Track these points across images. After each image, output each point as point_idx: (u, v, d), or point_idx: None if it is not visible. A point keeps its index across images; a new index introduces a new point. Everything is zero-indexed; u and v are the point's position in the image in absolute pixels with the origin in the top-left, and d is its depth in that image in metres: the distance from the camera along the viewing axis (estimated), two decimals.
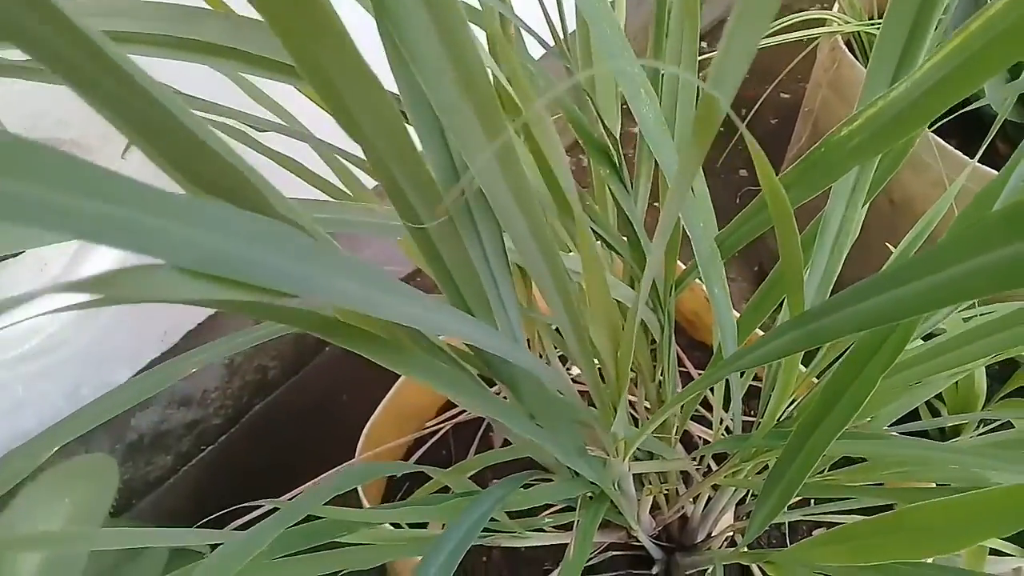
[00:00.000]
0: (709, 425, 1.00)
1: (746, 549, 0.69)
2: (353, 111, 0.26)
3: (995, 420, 1.02)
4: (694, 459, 0.77)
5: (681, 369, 1.08)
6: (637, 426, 0.86)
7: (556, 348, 0.78)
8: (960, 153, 0.95)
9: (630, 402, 0.87)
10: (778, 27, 1.14)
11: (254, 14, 0.43)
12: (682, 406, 0.75)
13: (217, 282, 0.21)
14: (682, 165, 0.24)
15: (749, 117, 1.61)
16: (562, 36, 0.55)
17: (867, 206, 0.52)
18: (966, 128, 0.94)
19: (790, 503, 0.48)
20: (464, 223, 0.38)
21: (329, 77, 0.24)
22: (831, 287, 0.52)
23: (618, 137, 0.58)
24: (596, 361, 0.47)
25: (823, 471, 0.70)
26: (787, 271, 0.33)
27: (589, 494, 0.64)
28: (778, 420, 0.65)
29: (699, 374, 1.06)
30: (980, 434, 0.94)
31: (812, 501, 0.98)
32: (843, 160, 0.39)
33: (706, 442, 0.99)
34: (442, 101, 0.27)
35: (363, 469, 0.49)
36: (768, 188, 0.27)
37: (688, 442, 1.01)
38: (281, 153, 0.56)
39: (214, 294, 0.21)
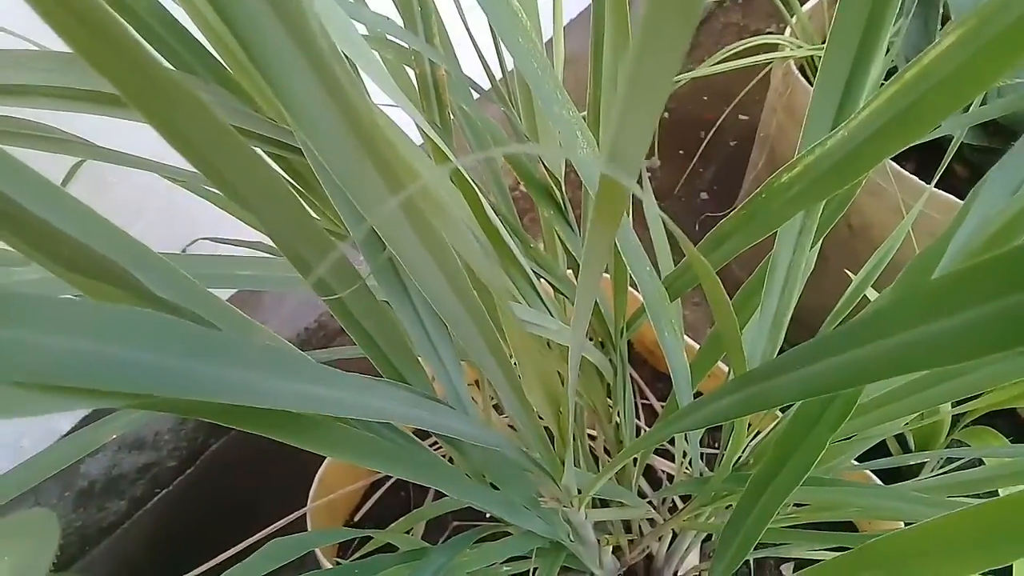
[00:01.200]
0: (672, 457, 0.98)
1: None
2: (237, 186, 0.24)
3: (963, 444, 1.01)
4: (654, 502, 0.75)
5: (644, 401, 1.06)
6: (600, 464, 0.84)
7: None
8: (916, 179, 0.94)
9: (591, 438, 0.85)
10: (731, 52, 1.13)
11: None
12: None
13: (71, 391, 0.19)
14: (589, 249, 0.22)
15: (708, 139, 1.61)
16: (500, 76, 0.54)
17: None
18: (923, 152, 0.94)
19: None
20: (389, 284, 0.36)
21: (202, 153, 0.22)
22: (783, 328, 0.51)
23: (562, 178, 0.56)
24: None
25: (788, 507, 0.68)
26: (724, 335, 0.31)
27: (546, 545, 0.62)
28: (738, 461, 0.64)
29: (662, 406, 1.05)
30: (942, 470, 0.93)
31: None
32: (785, 208, 0.37)
33: (670, 476, 0.97)
34: (335, 164, 0.25)
35: (300, 541, 0.47)
36: (693, 259, 0.25)
37: (652, 475, 0.99)
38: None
39: (69, 405, 0.19)
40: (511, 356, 0.35)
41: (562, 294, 0.57)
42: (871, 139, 0.29)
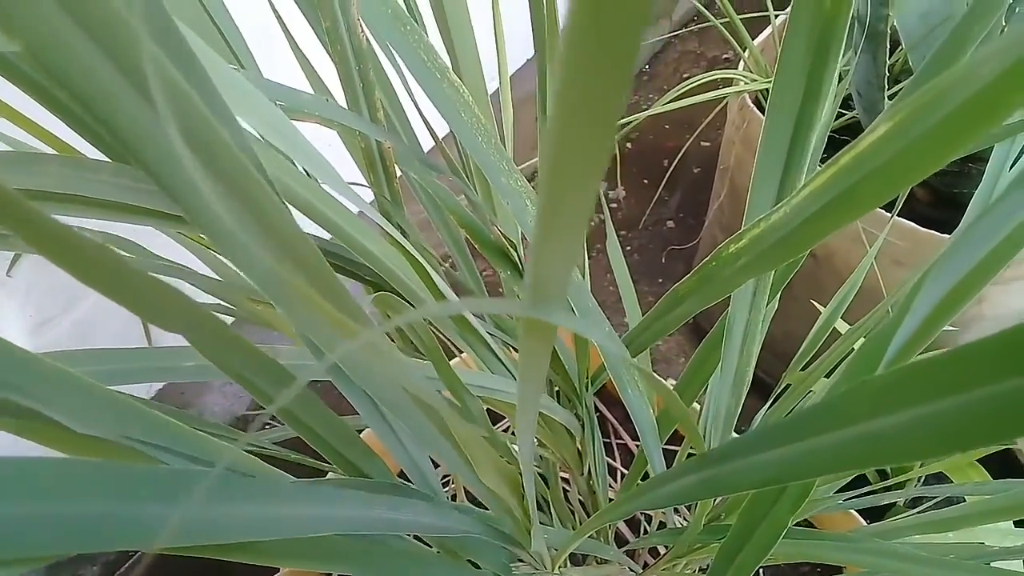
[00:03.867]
0: None
1: None
2: (160, 317, 0.23)
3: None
4: (629, 553, 0.74)
5: (619, 441, 1.05)
6: (578, 517, 0.83)
7: None
8: (878, 208, 0.95)
9: (565, 492, 0.84)
10: (687, 88, 1.14)
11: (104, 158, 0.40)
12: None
13: None
14: (523, 374, 0.21)
15: (672, 168, 1.62)
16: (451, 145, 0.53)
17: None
18: None
19: None
20: (338, 378, 0.35)
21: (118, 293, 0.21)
22: (745, 383, 0.50)
23: (518, 238, 0.56)
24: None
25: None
26: (677, 419, 0.31)
27: None
28: (711, 513, 0.63)
29: (637, 445, 1.04)
30: (918, 506, 0.93)
31: (760, 572, 0.95)
32: (734, 276, 0.36)
33: (648, 517, 0.97)
34: (255, 274, 0.24)
35: None
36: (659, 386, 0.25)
37: (631, 519, 0.98)
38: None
39: None
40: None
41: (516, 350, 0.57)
42: (811, 219, 0.29)
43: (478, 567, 0.50)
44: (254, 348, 0.26)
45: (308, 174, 0.41)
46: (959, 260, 0.24)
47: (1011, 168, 0.51)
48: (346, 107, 0.43)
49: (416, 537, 0.49)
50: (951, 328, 0.34)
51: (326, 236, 0.43)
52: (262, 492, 0.26)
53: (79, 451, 0.26)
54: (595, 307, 0.49)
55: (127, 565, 1.23)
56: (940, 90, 0.22)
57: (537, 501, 0.83)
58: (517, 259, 0.55)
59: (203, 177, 0.21)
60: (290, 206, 0.38)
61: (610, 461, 1.03)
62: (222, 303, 0.58)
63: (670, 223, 1.65)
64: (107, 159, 0.39)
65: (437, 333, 0.56)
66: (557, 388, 0.66)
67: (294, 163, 0.42)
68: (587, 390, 0.61)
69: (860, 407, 0.23)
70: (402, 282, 0.43)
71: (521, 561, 0.54)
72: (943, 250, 0.28)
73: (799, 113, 0.38)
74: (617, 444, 1.05)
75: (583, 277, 0.51)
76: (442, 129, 0.51)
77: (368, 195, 0.53)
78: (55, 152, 0.49)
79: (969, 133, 0.20)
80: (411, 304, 0.41)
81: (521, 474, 0.34)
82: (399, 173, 0.54)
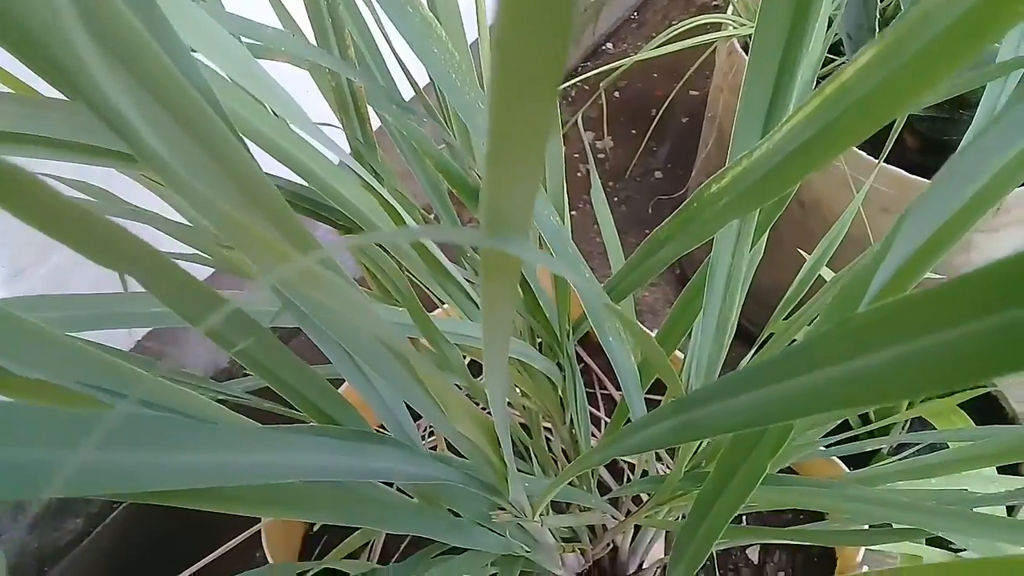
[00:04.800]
0: None
1: None
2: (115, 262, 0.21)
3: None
4: (611, 499, 0.74)
5: (603, 391, 1.05)
6: (560, 467, 0.82)
7: None
8: (865, 154, 0.94)
9: (548, 443, 0.84)
10: (675, 32, 1.12)
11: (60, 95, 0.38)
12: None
13: None
14: (488, 318, 0.20)
15: (659, 116, 1.60)
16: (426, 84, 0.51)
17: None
18: None
19: None
20: (303, 321, 0.34)
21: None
22: (728, 330, 0.50)
23: None
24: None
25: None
26: (654, 365, 0.30)
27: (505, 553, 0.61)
28: (693, 458, 0.63)
29: (620, 396, 1.04)
30: (901, 453, 0.93)
31: (744, 519, 0.96)
32: (716, 217, 0.35)
33: (631, 466, 0.97)
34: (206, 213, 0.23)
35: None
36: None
37: (613, 465, 0.98)
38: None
39: None
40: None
41: None
42: (794, 154, 0.28)
43: (459, 516, 0.50)
44: (213, 293, 0.25)
45: (276, 115, 0.40)
46: (942, 198, 0.23)
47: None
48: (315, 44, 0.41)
49: (400, 490, 0.49)
50: (937, 276, 0.33)
51: (301, 182, 0.42)
52: (220, 437, 0.25)
53: (25, 396, 0.25)
54: (575, 253, 0.47)
55: (111, 517, 1.22)
56: (927, 11, 0.21)
57: (520, 451, 0.83)
58: None
59: (145, 109, 0.20)
60: (258, 147, 0.37)
61: (594, 411, 1.03)
62: (199, 253, 0.57)
63: (658, 173, 1.63)
64: (62, 96, 0.37)
65: (416, 283, 0.55)
66: (539, 337, 0.65)
67: (264, 106, 0.40)
68: (568, 338, 0.60)
69: (840, 346, 0.22)
70: (375, 226, 0.41)
71: (502, 509, 0.54)
72: (926, 189, 0.26)
73: (784, 51, 0.36)
74: (601, 394, 1.05)
75: (563, 223, 0.50)
76: (423, 80, 0.49)
77: (344, 142, 0.51)
78: (9, 90, 0.47)
79: (959, 54, 0.19)
80: (383, 249, 0.40)
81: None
82: (377, 123, 0.52)
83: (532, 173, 0.14)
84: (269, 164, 0.40)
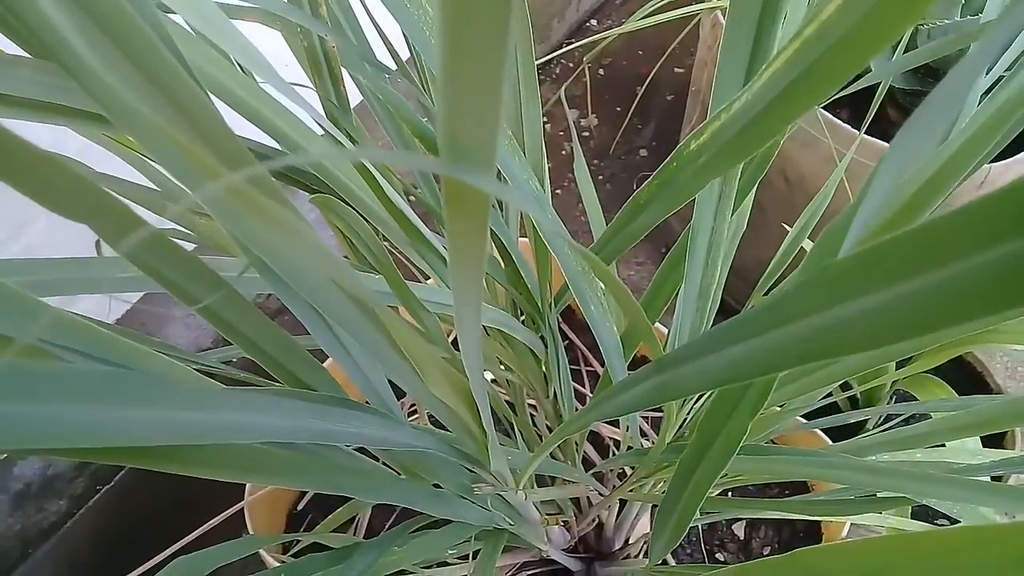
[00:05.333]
0: (619, 423, 0.97)
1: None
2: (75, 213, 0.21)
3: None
4: (601, 471, 0.73)
5: (588, 368, 1.04)
6: (544, 440, 0.82)
7: None
8: (848, 126, 0.93)
9: (533, 418, 0.83)
10: (660, 3, 1.11)
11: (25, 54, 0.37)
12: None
13: None
14: (459, 302, 0.19)
15: (643, 94, 1.59)
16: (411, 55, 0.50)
17: (756, 188, 0.48)
18: (857, 99, 0.92)
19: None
20: (273, 282, 0.33)
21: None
22: (711, 295, 0.49)
23: None
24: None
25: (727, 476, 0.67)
26: (635, 327, 0.29)
27: (488, 527, 0.60)
28: (679, 431, 0.62)
29: (605, 370, 1.03)
30: (884, 425, 0.93)
31: (730, 492, 0.96)
32: (697, 176, 0.35)
33: (616, 443, 0.96)
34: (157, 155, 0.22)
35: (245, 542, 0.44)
36: (591, 262, 0.23)
37: (599, 442, 0.98)
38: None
39: None
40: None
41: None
42: (775, 103, 0.27)
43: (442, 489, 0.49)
44: (186, 254, 0.24)
45: (249, 75, 0.39)
46: (913, 141, 0.23)
47: (987, 73, 0.50)
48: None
49: (385, 465, 0.48)
50: None
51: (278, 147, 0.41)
52: (185, 395, 0.24)
53: None
54: (555, 219, 0.47)
55: (94, 499, 1.22)
56: None
57: (505, 429, 0.82)
58: None
59: (111, 62, 0.19)
60: (228, 107, 0.36)
61: (579, 388, 1.03)
62: (178, 228, 0.56)
63: (643, 151, 1.62)
64: (26, 54, 0.36)
65: (398, 257, 0.54)
66: (521, 310, 0.64)
67: (237, 66, 0.39)
68: (551, 309, 0.59)
69: (818, 296, 0.21)
70: (351, 191, 0.41)
71: (485, 483, 0.54)
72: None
73: (762, 7, 0.36)
74: (587, 371, 1.04)
75: (544, 192, 0.49)
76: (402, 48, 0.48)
77: (319, 106, 0.50)
78: None
79: None
80: (356, 209, 0.39)
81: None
82: (357, 99, 0.51)
83: (492, 91, 0.14)
84: (244, 129, 0.39)
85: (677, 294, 0.53)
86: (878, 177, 0.20)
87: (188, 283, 0.26)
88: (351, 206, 0.41)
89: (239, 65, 0.38)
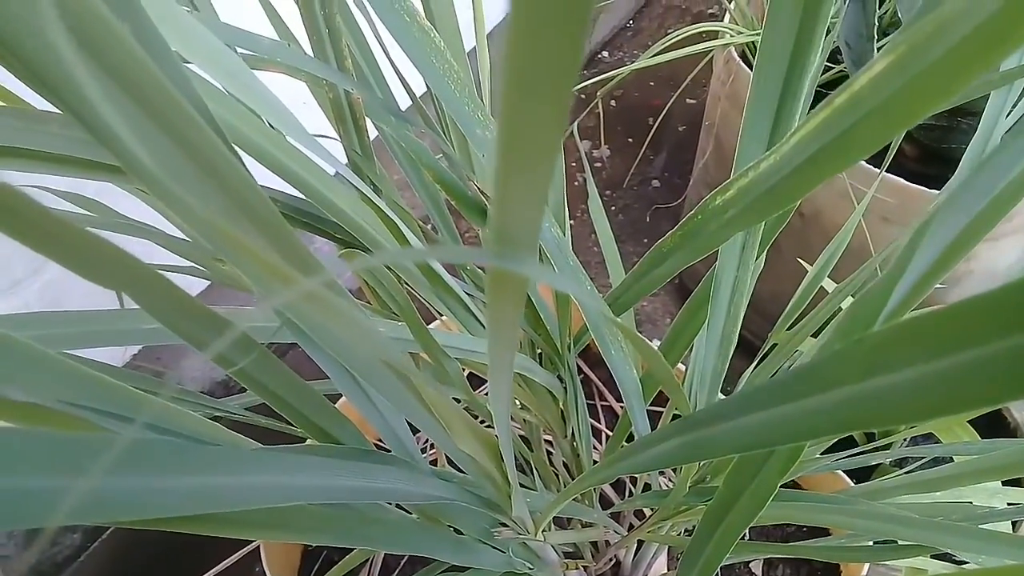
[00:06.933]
0: None
1: None
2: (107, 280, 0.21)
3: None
4: (614, 515, 0.73)
5: (603, 403, 1.04)
6: (562, 481, 0.82)
7: None
8: (865, 164, 0.93)
9: (549, 455, 0.83)
10: (672, 40, 1.11)
11: (54, 109, 0.37)
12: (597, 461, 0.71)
13: None
14: (493, 337, 0.19)
15: (656, 125, 1.59)
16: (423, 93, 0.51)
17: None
18: None
19: None
20: (302, 339, 0.33)
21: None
22: (733, 343, 0.49)
23: None
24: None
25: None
26: (660, 380, 0.29)
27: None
28: (697, 474, 0.62)
29: (622, 407, 1.03)
30: (902, 468, 0.92)
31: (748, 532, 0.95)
32: (721, 230, 0.35)
33: (633, 479, 0.96)
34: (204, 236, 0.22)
35: None
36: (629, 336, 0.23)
37: (617, 482, 0.98)
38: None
39: None
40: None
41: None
42: (802, 167, 0.27)
43: (461, 534, 0.49)
44: (209, 311, 0.24)
45: (272, 127, 0.39)
46: (957, 214, 0.23)
47: (1007, 117, 0.50)
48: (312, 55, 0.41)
49: (400, 506, 0.48)
50: (939, 285, 0.33)
51: (299, 195, 0.41)
52: (220, 459, 0.24)
53: (19, 419, 0.24)
54: (576, 264, 0.47)
55: (108, 532, 1.21)
56: (942, 21, 0.20)
57: (520, 465, 0.82)
58: None
59: (133, 121, 0.19)
60: (252, 159, 0.36)
61: (595, 423, 1.02)
62: (196, 266, 0.56)
63: (655, 182, 1.63)
64: (56, 110, 0.36)
65: (414, 295, 0.54)
66: (539, 350, 0.64)
67: (261, 118, 0.40)
68: (569, 351, 0.59)
69: (853, 366, 0.21)
70: (374, 239, 0.41)
71: (504, 526, 0.53)
72: (938, 203, 0.26)
73: (790, 61, 0.36)
74: (602, 406, 1.04)
75: (563, 235, 0.49)
76: (420, 89, 0.48)
77: (342, 154, 0.50)
78: (2, 103, 0.46)
79: (978, 64, 0.18)
80: (384, 264, 0.39)
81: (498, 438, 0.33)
82: (375, 133, 0.51)
83: (540, 189, 0.14)
84: (266, 177, 0.40)
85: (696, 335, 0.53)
86: (923, 243, 0.20)
87: (203, 333, 0.26)
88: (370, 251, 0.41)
89: (262, 118, 0.39)
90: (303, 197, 0.40)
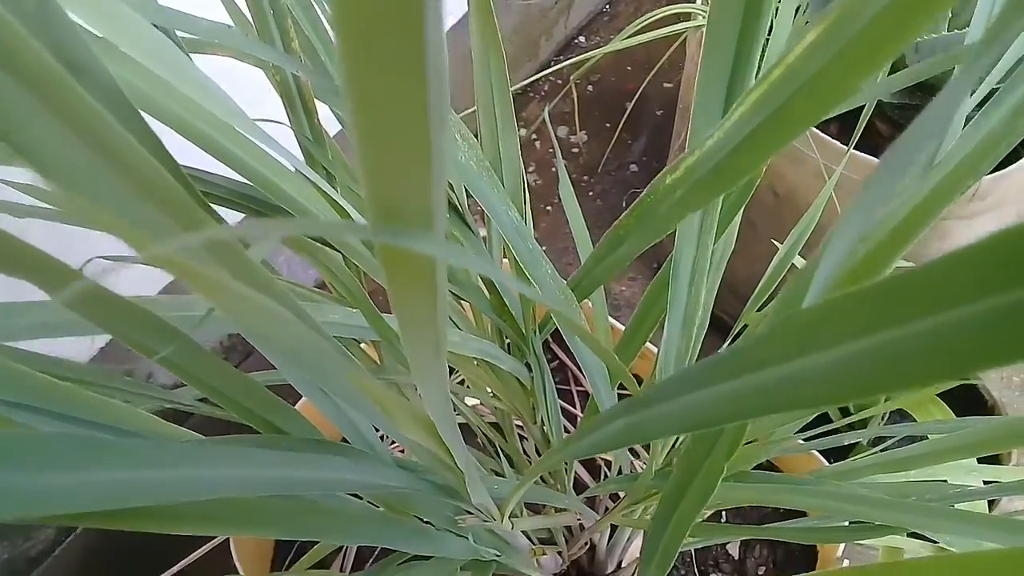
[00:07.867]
0: None
1: None
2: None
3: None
4: (589, 499, 0.73)
5: (579, 388, 1.03)
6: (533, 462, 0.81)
7: None
8: (837, 142, 0.93)
9: (521, 440, 0.83)
10: (646, 23, 1.10)
11: None
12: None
13: None
14: (404, 328, 0.18)
15: (632, 109, 1.58)
16: None
17: (745, 205, 0.48)
18: (847, 114, 0.92)
19: None
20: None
21: None
22: (695, 324, 0.48)
23: (461, 187, 0.53)
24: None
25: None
26: (612, 370, 0.28)
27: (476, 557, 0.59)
28: (667, 457, 0.61)
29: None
30: (879, 447, 0.92)
31: (724, 514, 0.95)
32: (672, 209, 0.34)
33: (608, 463, 0.95)
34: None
35: None
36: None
37: (591, 461, 0.97)
38: None
39: None
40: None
41: (460, 299, 0.54)
42: (745, 142, 0.26)
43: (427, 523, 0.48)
44: (123, 300, 0.23)
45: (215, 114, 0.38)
46: (886, 181, 0.22)
47: (972, 95, 0.49)
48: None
49: (371, 501, 0.47)
50: (909, 264, 0.32)
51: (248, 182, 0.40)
52: (142, 453, 0.23)
53: None
54: (536, 249, 0.46)
55: (81, 527, 1.20)
56: None
57: (492, 452, 0.81)
58: (458, 206, 0.53)
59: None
60: (197, 146, 0.35)
61: (570, 408, 1.02)
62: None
63: (633, 167, 1.62)
64: None
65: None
66: (508, 338, 0.63)
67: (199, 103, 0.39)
68: (535, 335, 0.58)
69: (783, 345, 0.20)
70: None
71: (469, 513, 0.53)
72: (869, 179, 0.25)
73: (739, 35, 0.35)
74: (577, 391, 1.04)
75: (523, 220, 0.48)
76: None
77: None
78: None
79: (904, 30, 0.18)
80: (332, 246, 0.38)
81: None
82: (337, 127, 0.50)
83: (417, 145, 0.13)
84: (214, 166, 0.39)
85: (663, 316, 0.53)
86: (851, 215, 0.20)
87: (147, 338, 0.26)
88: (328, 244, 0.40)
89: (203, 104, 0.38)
90: (253, 184, 0.39)
